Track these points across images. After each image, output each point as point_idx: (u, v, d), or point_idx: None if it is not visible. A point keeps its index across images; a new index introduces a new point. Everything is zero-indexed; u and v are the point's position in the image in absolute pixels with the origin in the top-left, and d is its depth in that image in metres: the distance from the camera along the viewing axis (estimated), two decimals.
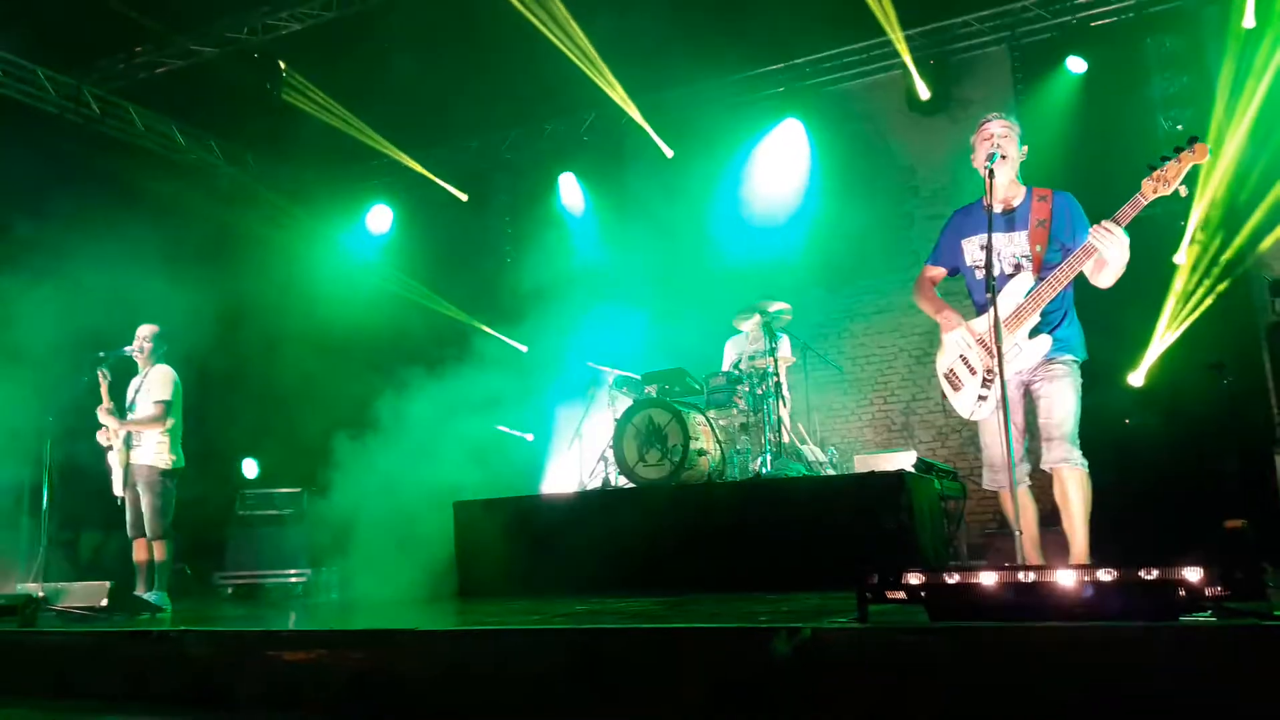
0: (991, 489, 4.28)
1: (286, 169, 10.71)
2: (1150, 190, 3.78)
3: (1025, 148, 4.32)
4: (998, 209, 4.19)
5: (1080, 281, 4.11)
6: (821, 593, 4.79)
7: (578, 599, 5.34)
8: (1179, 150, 3.75)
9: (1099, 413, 4.08)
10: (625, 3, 8.12)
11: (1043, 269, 4.04)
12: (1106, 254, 3.85)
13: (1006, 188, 4.23)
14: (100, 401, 6.48)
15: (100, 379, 6.50)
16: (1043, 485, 4.19)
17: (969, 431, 8.58)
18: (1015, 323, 4.03)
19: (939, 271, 4.50)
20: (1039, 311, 4.01)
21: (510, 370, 11.23)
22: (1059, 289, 3.98)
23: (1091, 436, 4.12)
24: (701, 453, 6.81)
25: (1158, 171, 3.77)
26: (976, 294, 4.34)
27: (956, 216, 4.46)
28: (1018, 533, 3.85)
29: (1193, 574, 2.45)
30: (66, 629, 4.67)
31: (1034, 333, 4.03)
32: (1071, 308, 4.18)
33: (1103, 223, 3.84)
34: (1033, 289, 4.02)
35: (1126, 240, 3.83)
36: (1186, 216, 7.82)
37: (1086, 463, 4.04)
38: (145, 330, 6.67)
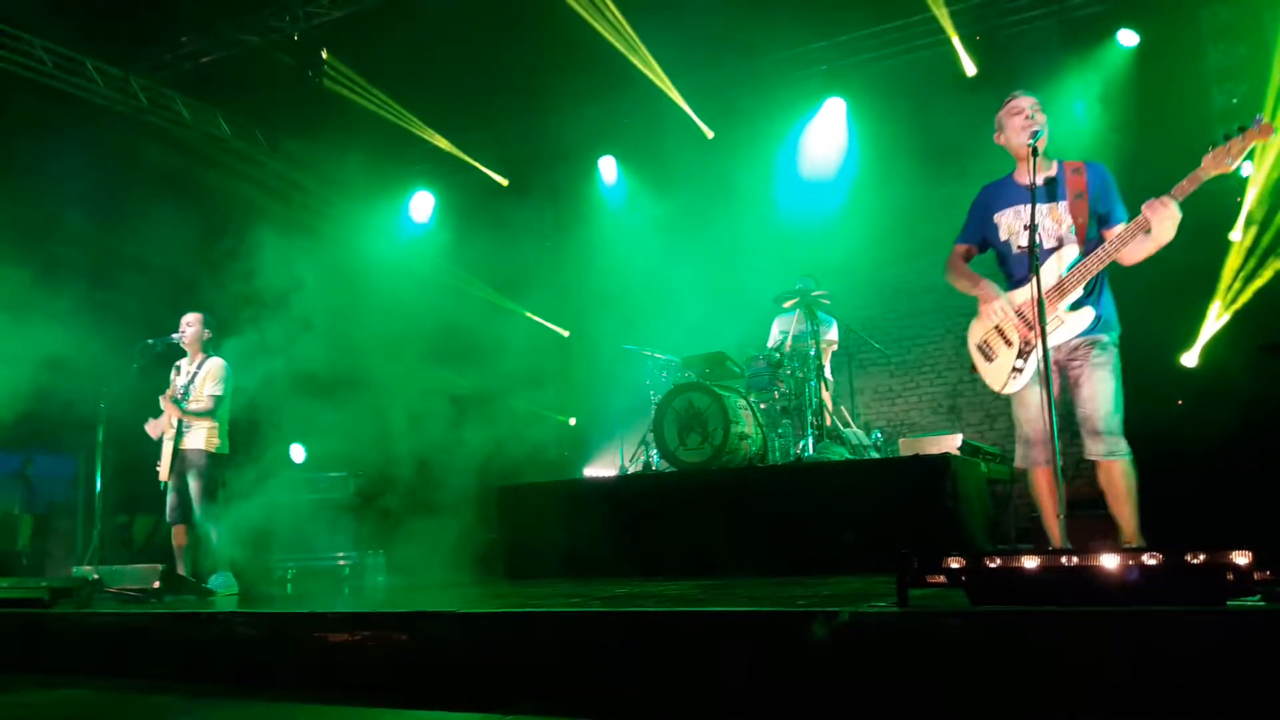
0: (1022, 467, 4.22)
1: (329, 156, 10.81)
2: (1211, 166, 3.68)
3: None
4: (1036, 181, 4.10)
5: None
6: (864, 577, 4.75)
7: (619, 582, 5.36)
8: (1243, 129, 3.63)
9: (1149, 393, 4.00)
10: None
11: (1086, 241, 3.97)
12: (1157, 228, 3.77)
13: (1040, 160, 4.16)
14: (167, 387, 6.66)
15: (173, 374, 6.69)
16: (1085, 467, 4.12)
17: None
18: (1058, 296, 3.97)
19: (969, 249, 4.44)
20: (1083, 285, 3.94)
21: (552, 354, 11.31)
22: (1107, 261, 3.91)
23: (1141, 417, 4.04)
24: (743, 436, 6.78)
25: (1220, 148, 3.66)
26: (1015, 267, 4.24)
27: (985, 192, 4.39)
28: (1061, 515, 3.79)
29: (1241, 558, 2.39)
30: (121, 610, 4.78)
31: (1076, 305, 3.96)
32: (1108, 281, 4.10)
33: (1160, 197, 3.75)
34: (1077, 262, 3.95)
35: (1179, 216, 3.75)
36: (1243, 193, 7.61)
37: (1131, 452, 3.95)
38: (190, 317, 6.80)
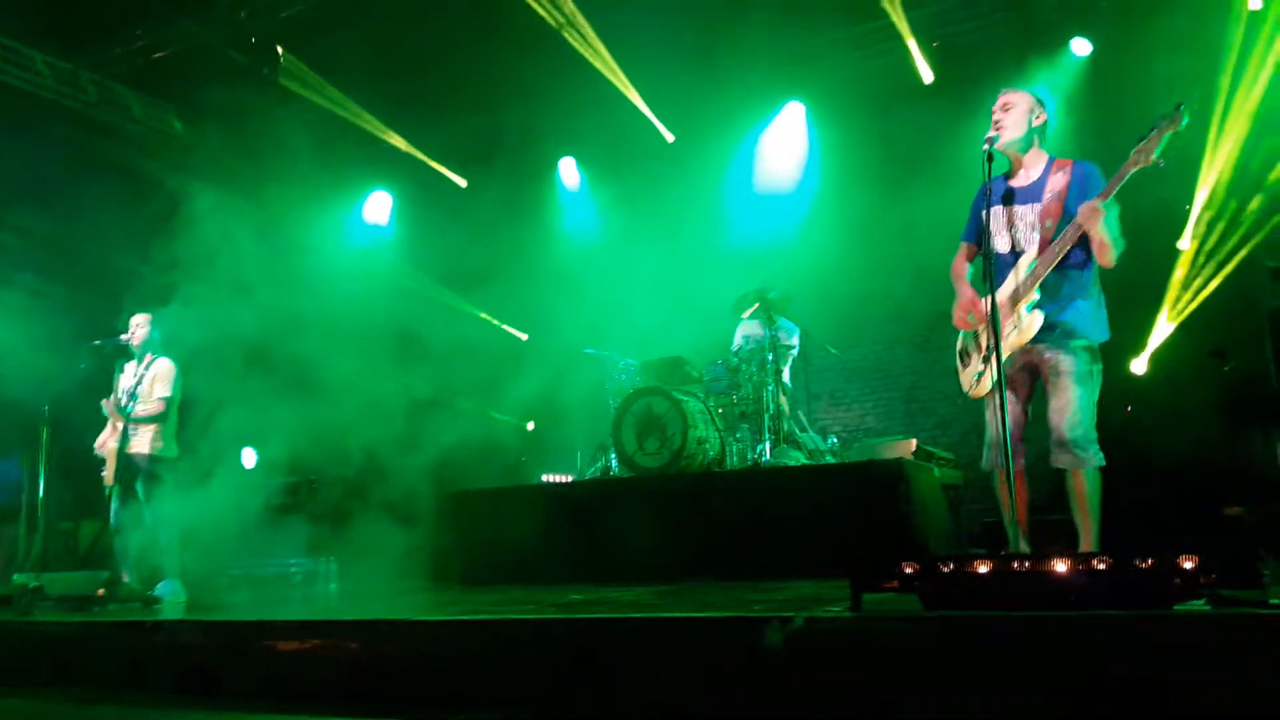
0: (986, 469, 4.27)
1: (284, 154, 10.67)
2: (1134, 163, 3.75)
3: (1042, 115, 4.24)
4: (1021, 181, 4.18)
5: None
6: (819, 581, 4.77)
7: (575, 588, 5.33)
8: (1162, 118, 3.71)
9: (1101, 400, 4.03)
10: None
11: (1049, 244, 3.99)
12: (1091, 231, 3.83)
13: (1026, 159, 4.20)
14: (111, 393, 6.53)
15: (119, 376, 6.58)
16: (1047, 472, 4.16)
17: (970, 420, 8.54)
18: (1020, 298, 4.02)
19: (971, 248, 4.46)
20: (1036, 288, 3.97)
21: (510, 358, 11.23)
22: (1051, 266, 3.94)
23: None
24: (701, 441, 6.78)
25: (1142, 143, 3.73)
26: (996, 266, 4.27)
27: (982, 189, 4.39)
28: (1012, 519, 3.83)
29: (1188, 562, 2.42)
30: (63, 618, 4.67)
31: (1031, 308, 3.99)
32: (1087, 285, 4.08)
33: (1091, 201, 3.81)
34: (1033, 266, 3.99)
35: (1113, 214, 3.81)
36: (1190, 201, 7.75)
37: (1101, 459, 3.96)
38: (139, 318, 6.68)
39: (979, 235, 4.34)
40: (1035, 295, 3.98)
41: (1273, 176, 7.22)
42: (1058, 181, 4.08)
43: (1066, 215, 4.00)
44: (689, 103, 10.01)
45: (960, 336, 4.38)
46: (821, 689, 2.61)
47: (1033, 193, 4.14)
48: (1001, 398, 3.68)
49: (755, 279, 7.88)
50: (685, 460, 6.68)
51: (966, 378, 4.30)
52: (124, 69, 9.67)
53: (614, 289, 9.57)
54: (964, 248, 4.48)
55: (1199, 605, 2.43)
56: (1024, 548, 4.07)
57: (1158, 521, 5.87)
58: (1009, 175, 4.28)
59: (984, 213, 4.11)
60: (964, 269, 4.44)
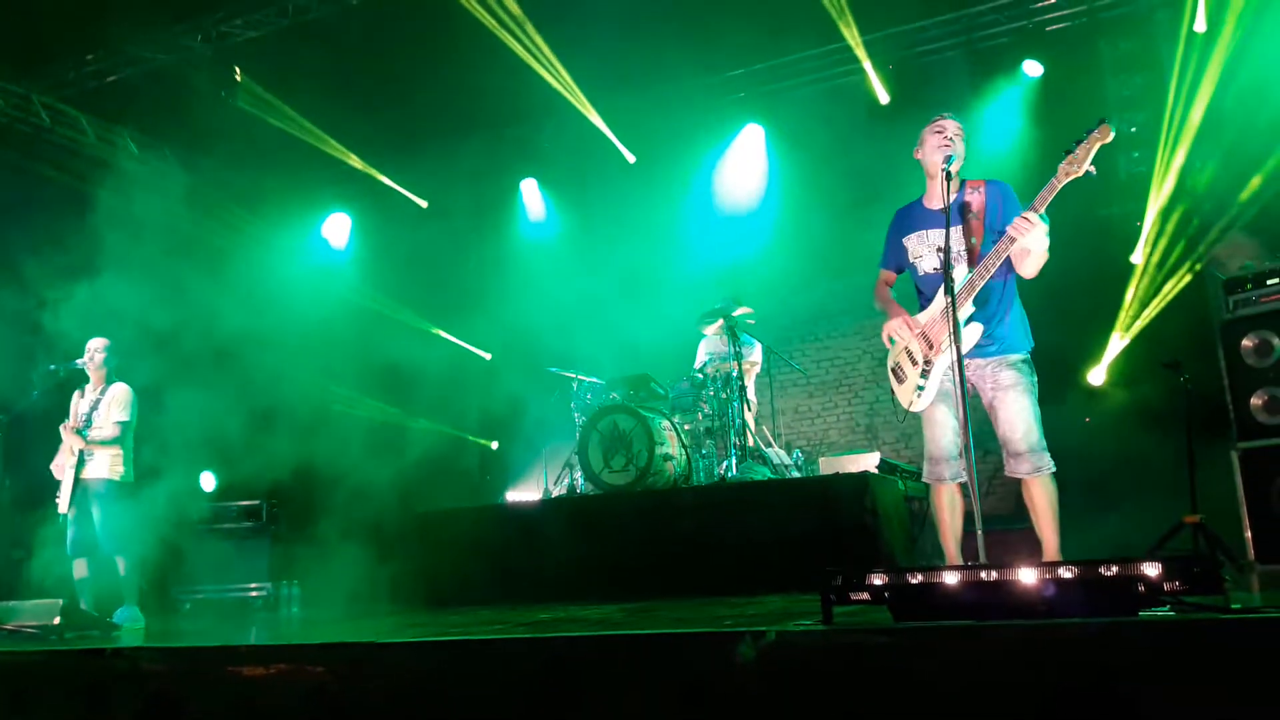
0: (928, 482, 4.33)
1: (243, 177, 10.57)
2: (1064, 174, 3.85)
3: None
4: (936, 205, 4.25)
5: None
6: (788, 595, 4.78)
7: (543, 607, 5.30)
8: (1089, 132, 3.82)
9: (1059, 411, 4.12)
10: (585, 9, 8.09)
11: (978, 259, 4.10)
12: (1026, 243, 3.94)
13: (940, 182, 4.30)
14: (67, 418, 6.42)
15: (75, 401, 6.47)
16: (1008, 483, 4.23)
17: None
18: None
19: (890, 274, 4.60)
20: (971, 300, 4.07)
21: (474, 378, 11.19)
22: (987, 278, 4.04)
23: (1052, 435, 4.17)
24: (667, 458, 6.79)
25: (1070, 155, 3.83)
26: (923, 287, 4.41)
27: (897, 216, 4.56)
28: (954, 533, 3.91)
29: (1151, 569, 2.46)
30: (18, 648, 4.55)
31: (968, 321, 4.08)
32: (1013, 298, 4.26)
33: (1023, 213, 3.91)
34: (967, 279, 4.07)
35: (1045, 227, 3.92)
36: (1142, 217, 7.92)
37: (1055, 467, 4.08)
38: (96, 343, 6.57)
39: (895, 259, 4.51)
40: (970, 308, 4.08)
41: (1243, 195, 7.40)
42: (975, 201, 4.21)
43: (989, 231, 4.15)
44: (650, 124, 10.07)
45: (889, 355, 4.44)
46: (795, 703, 2.61)
47: (952, 214, 4.23)
48: (964, 406, 3.75)
49: (718, 296, 7.92)
50: (652, 477, 6.68)
51: (905, 393, 4.33)
52: (77, 92, 9.54)
53: (579, 307, 9.57)
54: (883, 274, 4.60)
55: (1164, 612, 2.47)
56: (958, 560, 4.17)
57: (1120, 530, 5.97)
58: (924, 199, 4.41)
59: (904, 237, 4.32)
60: (886, 293, 4.56)
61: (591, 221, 10.32)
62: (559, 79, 9.26)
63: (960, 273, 4.10)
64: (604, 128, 9.96)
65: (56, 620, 5.22)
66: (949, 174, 4.06)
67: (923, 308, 4.35)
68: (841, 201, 9.43)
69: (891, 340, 4.39)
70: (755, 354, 8.05)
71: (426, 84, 9.39)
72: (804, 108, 9.78)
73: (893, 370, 4.41)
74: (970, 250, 4.14)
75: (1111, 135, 3.82)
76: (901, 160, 4.49)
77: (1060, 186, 3.86)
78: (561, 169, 10.69)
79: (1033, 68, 8.91)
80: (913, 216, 4.42)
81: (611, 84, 9.56)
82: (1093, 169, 3.81)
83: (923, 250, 4.33)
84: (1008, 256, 4.03)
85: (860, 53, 9.02)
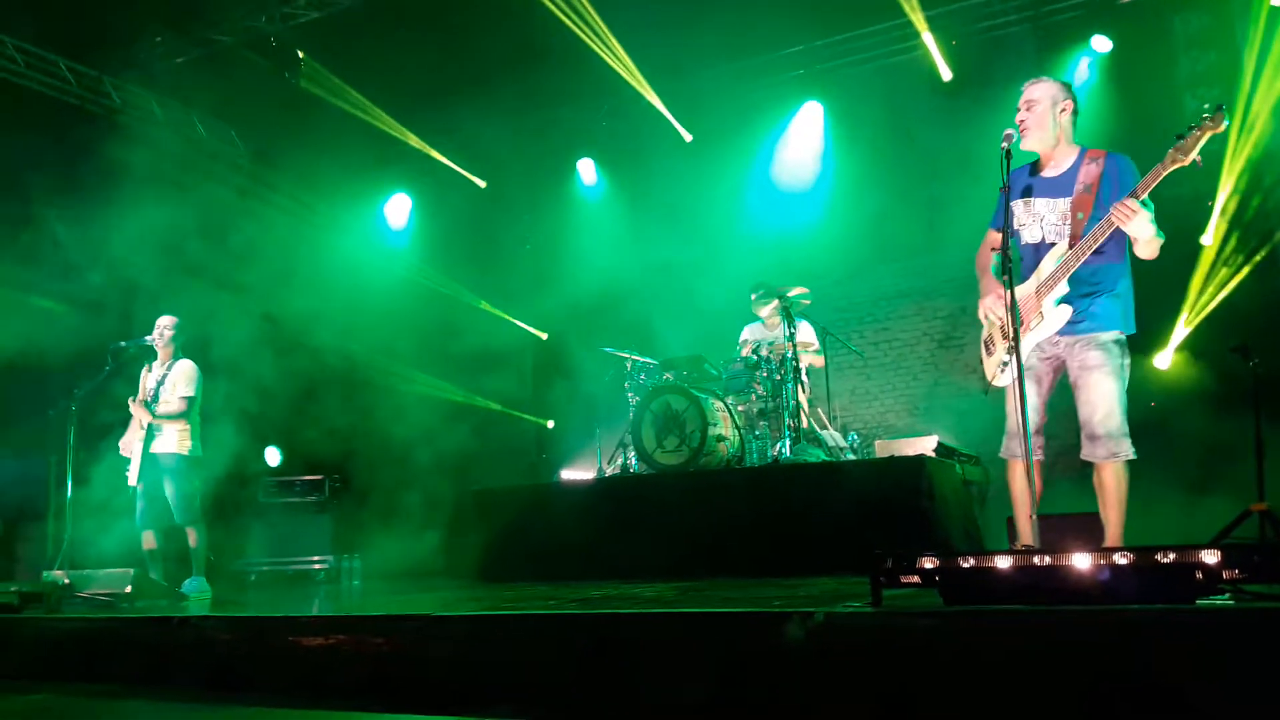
0: (1004, 457, 4.26)
1: (306, 158, 10.75)
2: (1171, 161, 3.68)
3: (1068, 105, 4.19)
4: (1051, 173, 4.14)
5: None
6: (839, 578, 4.77)
7: (594, 584, 5.35)
8: (1204, 119, 3.63)
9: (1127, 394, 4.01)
10: None
11: (1081, 236, 3.95)
12: (1128, 229, 3.78)
13: (1056, 151, 4.16)
14: (136, 393, 6.62)
15: (143, 376, 6.66)
16: (1070, 468, 4.15)
17: (991, 415, 8.49)
18: (1046, 291, 3.99)
19: (996, 235, 4.41)
20: (1066, 280, 3.95)
21: (530, 357, 11.30)
22: (1083, 258, 3.91)
23: None
24: (720, 438, 6.79)
25: (1181, 142, 3.69)
26: (1024, 255, 4.21)
27: (1013, 176, 4.31)
28: (1033, 516, 3.81)
29: (1210, 557, 2.41)
30: (91, 615, 4.72)
31: (1059, 301, 3.97)
32: (1120, 279, 4.06)
33: (1124, 200, 3.77)
34: (1063, 258, 3.96)
35: (1147, 214, 3.74)
36: (1214, 197, 7.70)
37: (1134, 452, 3.93)
38: (165, 320, 6.75)
39: (1004, 224, 4.34)
40: (1064, 288, 3.96)
41: None
42: (1090, 174, 4.03)
43: (1099, 208, 3.96)
44: (706, 103, 10.02)
45: (986, 324, 4.37)
46: (842, 684, 2.62)
47: (1063, 185, 4.10)
48: (1021, 389, 3.69)
49: (774, 277, 7.88)
50: (704, 458, 6.69)
51: (990, 366, 4.30)
52: (146, 74, 9.76)
53: (634, 287, 9.59)
54: (990, 234, 4.45)
55: (1222, 600, 2.42)
56: (1034, 542, 4.06)
57: (1184, 517, 5.84)
58: (1038, 168, 4.23)
59: (1012, 201, 4.09)
60: (988, 259, 4.37)
61: (647, 201, 10.31)
62: (616, 57, 9.25)
63: (1060, 250, 3.98)
64: (660, 106, 9.93)
65: (128, 589, 5.40)
66: (1008, 151, 3.94)
67: (1024, 277, 4.18)
68: (901, 181, 9.31)
69: (987, 317, 4.30)
70: (805, 334, 7.98)
71: (484, 63, 9.45)
72: (864, 85, 9.64)
73: (985, 342, 4.36)
74: (1075, 227, 3.99)
75: (1225, 125, 3.62)
76: (964, 138, 4.38)
77: (1164, 174, 3.70)
78: (618, 148, 10.69)
79: (1102, 43, 8.68)
80: (1021, 182, 4.22)
81: (669, 62, 9.52)
82: (1199, 159, 3.64)
83: (1026, 219, 4.17)
84: (1124, 234, 3.87)
85: (922, 28, 8.86)
